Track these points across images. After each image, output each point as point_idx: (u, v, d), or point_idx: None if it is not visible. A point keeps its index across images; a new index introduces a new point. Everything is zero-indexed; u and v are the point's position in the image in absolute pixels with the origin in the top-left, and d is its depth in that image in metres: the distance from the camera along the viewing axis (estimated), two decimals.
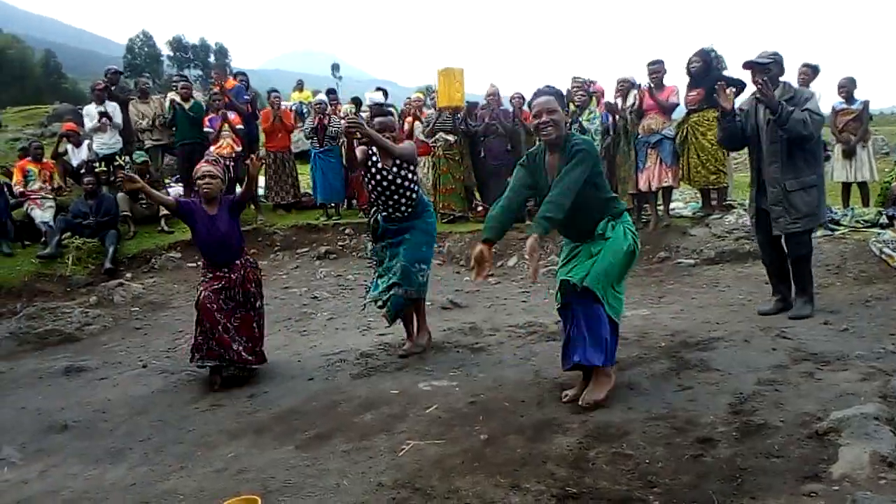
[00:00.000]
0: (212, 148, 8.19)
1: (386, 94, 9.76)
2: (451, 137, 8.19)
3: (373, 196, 4.20)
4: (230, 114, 8.71)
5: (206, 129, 8.61)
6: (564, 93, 7.50)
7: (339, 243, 8.14)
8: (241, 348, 4.04)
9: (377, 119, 4.25)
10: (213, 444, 3.21)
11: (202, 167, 4.10)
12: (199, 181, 4.06)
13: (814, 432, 2.58)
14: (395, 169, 4.05)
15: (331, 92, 11.17)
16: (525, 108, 8.36)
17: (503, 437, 2.89)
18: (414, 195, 4.13)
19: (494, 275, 6.75)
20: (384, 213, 4.16)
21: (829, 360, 3.38)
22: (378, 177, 4.07)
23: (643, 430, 2.82)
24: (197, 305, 4.00)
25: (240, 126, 8.77)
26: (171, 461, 3.04)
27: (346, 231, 8.32)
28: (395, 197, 4.07)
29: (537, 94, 3.17)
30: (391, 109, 7.23)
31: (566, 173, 3.01)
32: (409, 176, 4.09)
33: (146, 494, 2.71)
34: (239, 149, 8.82)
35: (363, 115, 9.11)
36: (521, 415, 3.13)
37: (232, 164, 8.55)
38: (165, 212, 8.46)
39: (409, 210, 4.13)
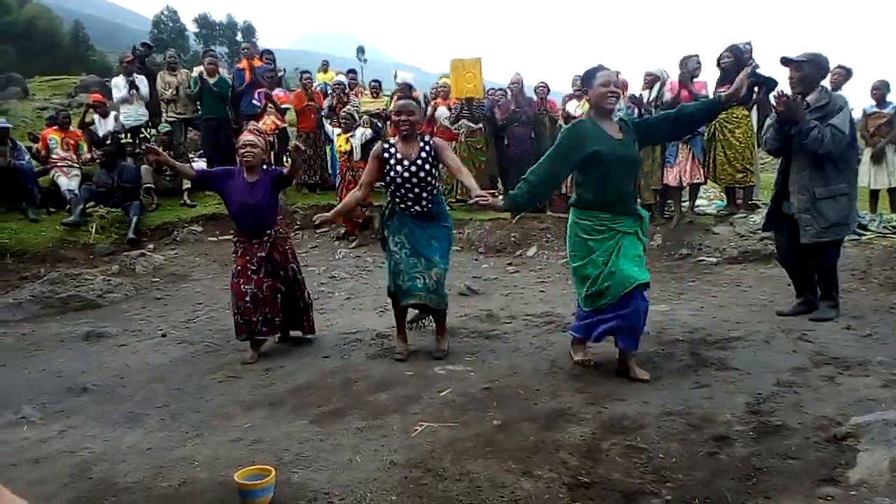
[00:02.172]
0: (259, 123, 8.25)
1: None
2: (473, 125, 8.16)
3: (391, 191, 3.95)
4: (279, 91, 8.76)
5: (253, 102, 8.67)
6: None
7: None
8: (265, 318, 4.11)
9: (399, 102, 4.01)
10: (228, 414, 3.25)
11: (244, 137, 4.20)
12: (240, 150, 4.16)
13: (832, 436, 2.54)
14: (419, 162, 3.82)
15: (350, 72, 11.16)
16: (550, 97, 8.31)
17: (516, 423, 2.89)
18: (435, 190, 3.93)
19: (513, 263, 6.74)
20: (401, 207, 3.93)
21: (851, 364, 3.33)
22: (398, 168, 3.83)
23: (658, 424, 2.80)
24: (231, 287, 4.16)
25: (286, 105, 8.78)
26: (187, 428, 3.09)
27: (367, 213, 8.33)
28: (416, 191, 3.84)
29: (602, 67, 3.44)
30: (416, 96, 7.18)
31: None
32: (431, 170, 3.85)
33: (162, 459, 2.76)
34: (283, 125, 8.88)
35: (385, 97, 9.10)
36: (535, 403, 3.13)
37: (276, 140, 8.65)
38: (188, 185, 8.55)
39: (429, 206, 3.90)
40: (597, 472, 2.45)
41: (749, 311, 4.60)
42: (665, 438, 2.67)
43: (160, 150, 4.42)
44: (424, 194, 3.86)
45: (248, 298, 4.04)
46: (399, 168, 3.83)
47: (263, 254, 4.11)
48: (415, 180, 3.82)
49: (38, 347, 4.70)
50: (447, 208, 4.20)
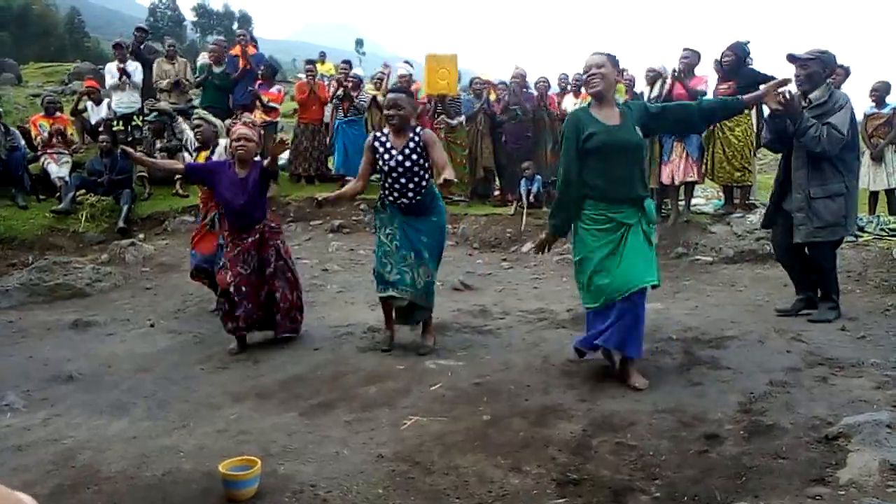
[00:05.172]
0: (250, 116, 8.15)
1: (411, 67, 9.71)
2: (452, 121, 8.14)
3: (382, 182, 3.95)
4: (275, 89, 8.72)
5: (249, 90, 8.61)
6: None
7: (353, 218, 8.10)
8: (248, 313, 4.03)
9: (390, 96, 3.95)
10: (216, 404, 3.21)
11: (238, 129, 4.10)
12: (234, 143, 4.06)
13: (823, 437, 2.53)
14: (406, 151, 3.80)
15: (345, 62, 11.14)
16: (550, 92, 8.28)
17: (506, 419, 2.87)
18: (423, 182, 3.88)
19: (507, 259, 6.71)
20: (390, 199, 3.91)
21: (844, 365, 3.31)
22: (386, 157, 3.83)
23: (649, 422, 2.79)
24: (217, 279, 4.11)
25: (274, 104, 8.70)
26: (173, 418, 3.05)
27: (361, 206, 8.28)
28: (402, 181, 3.82)
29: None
30: (409, 90, 7.08)
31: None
32: (421, 162, 3.82)
33: (147, 448, 2.72)
34: (273, 120, 8.80)
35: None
36: (525, 398, 3.10)
37: (261, 132, 8.58)
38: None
39: (417, 198, 3.86)
40: (586, 468, 2.43)
41: (744, 310, 4.58)
42: (656, 436, 2.65)
43: (134, 152, 4.54)
44: (411, 185, 3.84)
45: (231, 290, 3.98)
46: (387, 157, 3.84)
47: (252, 249, 4.05)
48: (400, 170, 3.81)
49: (24, 335, 4.64)
50: (443, 204, 4.12)
